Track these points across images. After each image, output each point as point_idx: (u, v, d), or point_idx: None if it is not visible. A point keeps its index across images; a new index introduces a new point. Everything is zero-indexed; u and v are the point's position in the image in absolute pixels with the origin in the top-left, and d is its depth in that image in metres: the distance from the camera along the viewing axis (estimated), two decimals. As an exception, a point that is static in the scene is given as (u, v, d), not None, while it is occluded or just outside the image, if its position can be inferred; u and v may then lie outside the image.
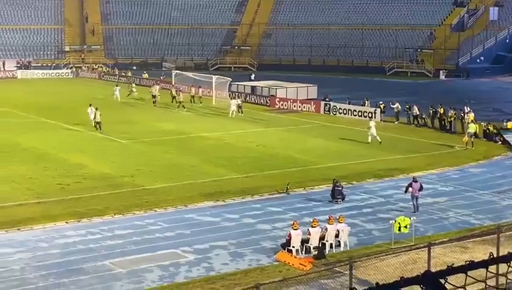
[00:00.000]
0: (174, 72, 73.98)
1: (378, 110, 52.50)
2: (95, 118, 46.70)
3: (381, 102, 53.07)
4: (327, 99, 58.51)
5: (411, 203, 28.32)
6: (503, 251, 18.78)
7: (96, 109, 47.18)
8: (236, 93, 65.83)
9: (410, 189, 28.34)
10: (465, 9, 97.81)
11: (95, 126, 46.38)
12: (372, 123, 44.11)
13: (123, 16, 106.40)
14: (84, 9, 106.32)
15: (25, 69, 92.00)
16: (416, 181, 28.49)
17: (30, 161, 37.16)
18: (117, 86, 66.02)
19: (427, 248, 19.87)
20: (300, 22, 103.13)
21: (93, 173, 34.42)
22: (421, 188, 28.24)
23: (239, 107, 54.90)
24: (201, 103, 61.08)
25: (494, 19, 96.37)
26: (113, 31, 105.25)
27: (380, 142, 41.95)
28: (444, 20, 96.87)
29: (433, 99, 55.15)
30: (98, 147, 41.83)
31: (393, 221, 23.72)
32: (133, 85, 68.20)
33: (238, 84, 67.55)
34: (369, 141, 42.63)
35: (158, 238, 24.76)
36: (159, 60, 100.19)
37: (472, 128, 42.50)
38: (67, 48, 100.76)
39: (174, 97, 60.57)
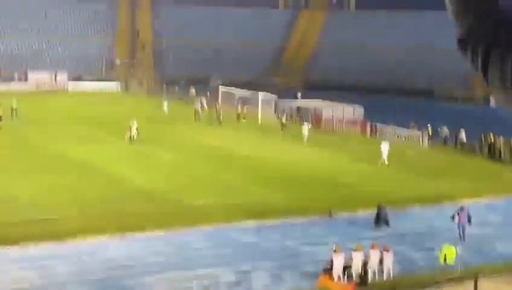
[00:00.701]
0: (221, 89, 74.19)
1: (426, 134, 51.73)
2: (131, 131, 47.29)
3: (428, 125, 52.30)
4: (373, 122, 57.89)
5: (458, 231, 27.75)
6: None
7: (135, 120, 48.00)
8: (282, 112, 65.74)
9: (456, 217, 27.77)
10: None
11: (130, 138, 47.00)
12: (384, 146, 43.43)
13: (174, 32, 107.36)
14: (136, 23, 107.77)
15: (75, 80, 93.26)
16: (463, 210, 27.90)
17: (74, 171, 37.48)
18: (165, 100, 66.37)
19: (473, 281, 19.37)
20: (351, 44, 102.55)
21: (136, 187, 34.52)
22: (469, 219, 27.60)
23: (282, 124, 54.92)
24: (244, 119, 60.95)
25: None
26: (164, 46, 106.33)
27: (388, 164, 41.81)
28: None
29: (484, 127, 54.21)
30: (142, 160, 42.00)
31: (439, 251, 23.17)
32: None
33: (284, 102, 67.41)
34: (379, 164, 42.35)
35: (199, 256, 24.64)
36: (206, 76, 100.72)
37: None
38: (117, 62, 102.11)
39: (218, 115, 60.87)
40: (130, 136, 47.30)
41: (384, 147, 43.31)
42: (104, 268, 23.05)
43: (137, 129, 47.35)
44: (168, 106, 64.47)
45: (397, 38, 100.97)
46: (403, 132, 54.07)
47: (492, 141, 48.03)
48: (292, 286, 22.00)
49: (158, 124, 55.74)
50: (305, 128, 52.22)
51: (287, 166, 41.83)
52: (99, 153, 43.76)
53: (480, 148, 48.68)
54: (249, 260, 24.29)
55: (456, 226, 27.83)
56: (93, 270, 22.83)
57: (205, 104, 63.34)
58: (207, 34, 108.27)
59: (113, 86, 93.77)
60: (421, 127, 53.56)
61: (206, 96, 74.02)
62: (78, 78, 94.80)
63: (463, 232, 27.70)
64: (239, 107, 63.17)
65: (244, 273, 22.89)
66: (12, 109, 57.35)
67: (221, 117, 60.40)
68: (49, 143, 46.65)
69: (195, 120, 60.30)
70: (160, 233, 27.11)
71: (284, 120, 56.25)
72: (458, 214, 27.85)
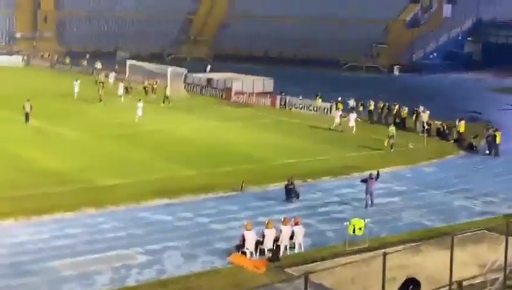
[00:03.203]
0: (128, 62, 72.91)
1: (334, 106, 52.53)
2: (24, 108, 45.66)
3: (339, 98, 53.13)
4: (283, 93, 58.39)
5: (365, 198, 28.78)
6: (456, 254, 18.85)
7: (28, 100, 46.29)
8: (192, 85, 65.40)
9: (365, 184, 28.68)
10: (419, 5, 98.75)
11: (26, 117, 45.50)
12: (352, 116, 46.23)
13: (77, 3, 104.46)
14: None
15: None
16: (372, 178, 28.78)
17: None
18: (77, 80, 60.33)
19: (381, 251, 19.81)
20: (257, 14, 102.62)
21: (43, 168, 33.65)
22: (377, 177, 29.07)
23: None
24: (154, 94, 60.16)
25: (448, 16, 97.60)
26: (66, 18, 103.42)
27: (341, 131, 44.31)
28: (399, 15, 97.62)
29: (388, 96, 55.51)
30: (48, 141, 40.94)
31: (348, 223, 23.65)
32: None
33: (194, 76, 67.03)
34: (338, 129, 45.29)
35: (109, 238, 24.27)
36: (112, 49, 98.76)
37: (391, 131, 40.76)
38: (18, 35, 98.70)
39: (126, 88, 59.87)
40: (26, 117, 45.50)
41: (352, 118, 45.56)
42: (10, 253, 22.40)
43: (31, 107, 45.62)
44: (79, 85, 59.18)
45: (303, 8, 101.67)
46: (312, 103, 54.72)
47: (397, 109, 49.24)
48: (205, 264, 21.99)
49: (63, 101, 54.32)
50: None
51: (197, 141, 41.70)
52: (2, 134, 42.36)
53: (386, 118, 49.86)
54: (161, 239, 24.11)
55: (364, 193, 28.79)
56: None
57: (112, 79, 62.00)
58: (111, 4, 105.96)
59: (15, 60, 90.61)
60: (329, 97, 54.32)
61: (113, 69, 72.68)
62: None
63: (371, 199, 28.68)
64: (147, 82, 62.32)
65: (156, 253, 22.71)
66: None
67: (129, 92, 59.44)
68: None
69: (100, 97, 56.70)
70: (69, 215, 26.54)
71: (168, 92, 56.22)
72: (367, 180, 28.78)
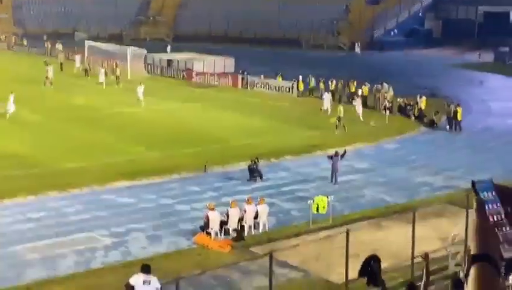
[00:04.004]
0: (87, 44, 71.92)
1: (296, 84, 52.67)
2: None
3: (300, 77, 53.16)
4: (244, 73, 58.33)
5: (330, 176, 29.11)
6: (418, 228, 19.20)
7: None
8: (152, 66, 64.93)
9: (330, 161, 29.16)
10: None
11: None
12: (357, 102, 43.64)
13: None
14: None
15: None
16: (337, 155, 29.08)
17: None
18: (48, 64, 56.69)
19: (344, 228, 20.07)
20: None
21: (3, 152, 33.20)
22: (343, 156, 29.40)
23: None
24: (114, 75, 59.35)
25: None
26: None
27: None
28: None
29: (350, 73, 55.80)
30: (9, 124, 40.33)
31: (311, 201, 23.84)
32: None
33: (153, 57, 66.53)
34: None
35: (73, 221, 24.13)
36: (70, 30, 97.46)
37: (340, 111, 40.15)
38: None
39: (85, 70, 59.27)
40: None
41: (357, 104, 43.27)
42: (-28, 239, 22.18)
43: None
44: (52, 69, 56.21)
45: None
46: (274, 82, 54.77)
47: (355, 88, 49.40)
48: (170, 245, 22.03)
49: (23, 84, 53.51)
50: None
51: (160, 123, 41.51)
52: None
53: (347, 97, 50.07)
54: (125, 221, 24.06)
55: (329, 171, 29.14)
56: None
57: (78, 61, 60.74)
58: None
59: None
60: (290, 76, 54.37)
61: (73, 51, 71.69)
62: None
63: (335, 176, 29.02)
64: (107, 62, 61.67)
65: (121, 235, 22.67)
66: None
67: (89, 73, 58.81)
68: None
69: (47, 83, 54.27)
70: (31, 199, 26.31)
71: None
72: (332, 158, 29.21)
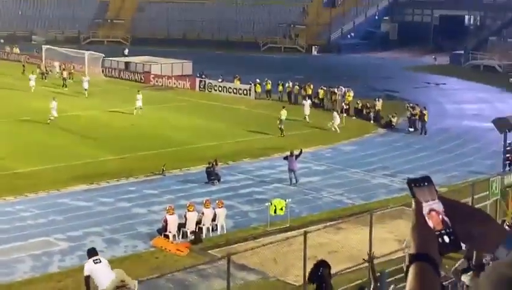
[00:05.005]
0: (44, 47, 70.93)
1: (253, 87, 52.77)
2: None
3: (257, 80, 53.22)
4: (203, 76, 58.24)
5: (288, 176, 29.38)
6: (375, 230, 19.42)
7: None
8: (110, 69, 64.41)
9: (287, 162, 29.38)
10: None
11: None
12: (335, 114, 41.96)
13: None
14: None
15: None
16: (292, 155, 29.26)
17: None
18: (32, 73, 55.55)
19: (302, 230, 20.21)
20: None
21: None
22: (298, 155, 29.60)
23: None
24: (72, 79, 58.70)
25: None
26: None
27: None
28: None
29: (308, 75, 56.10)
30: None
31: (269, 203, 23.94)
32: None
33: (111, 60, 66.00)
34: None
35: (29, 225, 23.88)
36: (27, 33, 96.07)
37: (283, 114, 40.09)
38: None
39: (42, 74, 58.56)
40: None
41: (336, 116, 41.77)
42: None
43: None
44: (35, 79, 54.17)
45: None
46: (231, 85, 54.81)
47: (311, 90, 49.64)
48: (127, 248, 21.93)
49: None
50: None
51: (117, 126, 41.24)
52: None
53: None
54: (82, 225, 23.87)
55: (287, 173, 29.34)
56: None
57: (57, 68, 59.89)
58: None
59: None
60: (248, 79, 54.44)
61: (32, 54, 70.82)
62: None
63: (295, 177, 29.31)
64: (64, 66, 60.92)
65: (78, 239, 22.48)
66: None
67: (46, 76, 58.10)
68: None
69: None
70: (-14, 204, 25.96)
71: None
72: (287, 158, 29.46)
